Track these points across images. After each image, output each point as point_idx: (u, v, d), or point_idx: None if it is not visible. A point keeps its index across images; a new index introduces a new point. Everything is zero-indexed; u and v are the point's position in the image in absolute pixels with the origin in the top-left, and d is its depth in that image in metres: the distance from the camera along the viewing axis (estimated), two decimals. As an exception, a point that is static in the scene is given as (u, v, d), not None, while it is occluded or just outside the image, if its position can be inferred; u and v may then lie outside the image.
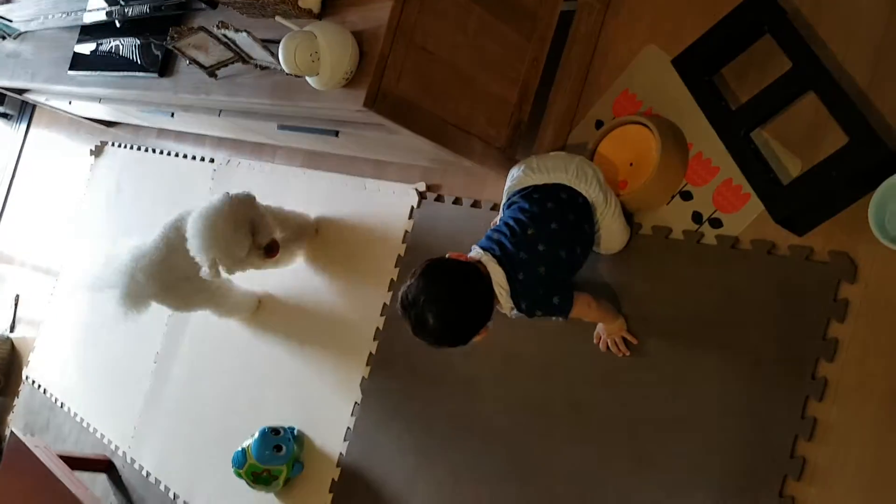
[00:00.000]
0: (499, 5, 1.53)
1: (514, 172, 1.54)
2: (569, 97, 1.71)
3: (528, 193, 1.50)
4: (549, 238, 1.43)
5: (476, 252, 1.42)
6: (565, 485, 1.57)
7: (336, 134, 1.69)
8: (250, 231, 1.99)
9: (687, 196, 1.54)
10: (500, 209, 1.59)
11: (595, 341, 1.58)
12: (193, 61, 1.72)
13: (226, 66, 1.71)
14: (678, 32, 1.59)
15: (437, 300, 1.33)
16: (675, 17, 1.62)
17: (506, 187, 1.56)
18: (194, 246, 1.96)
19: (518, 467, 1.66)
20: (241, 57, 1.61)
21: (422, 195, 2.06)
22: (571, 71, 1.70)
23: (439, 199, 2.01)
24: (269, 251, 2.00)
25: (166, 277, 2.18)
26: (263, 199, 2.53)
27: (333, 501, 2.03)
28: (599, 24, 1.72)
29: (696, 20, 1.56)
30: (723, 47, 1.49)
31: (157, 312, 2.85)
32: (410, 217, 2.07)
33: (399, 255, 2.08)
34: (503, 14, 1.54)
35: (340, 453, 2.06)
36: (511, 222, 1.45)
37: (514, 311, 1.42)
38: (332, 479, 2.05)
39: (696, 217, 1.51)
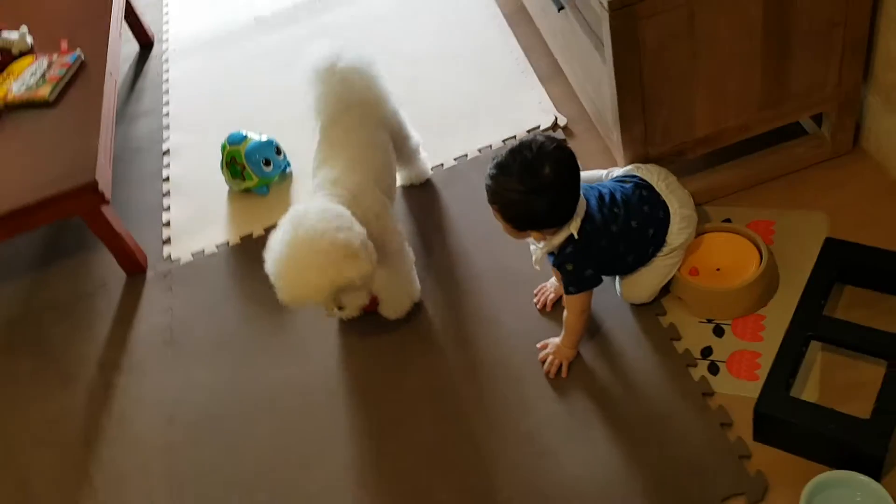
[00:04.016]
0: (775, 60, 1.50)
1: (649, 164, 1.57)
2: (736, 179, 1.69)
3: (641, 186, 1.53)
4: (623, 228, 1.48)
5: None
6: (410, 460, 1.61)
7: (560, 8, 1.67)
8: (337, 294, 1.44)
9: (719, 332, 1.53)
10: (606, 173, 1.62)
11: (539, 346, 1.60)
12: None
13: None
14: (852, 226, 1.57)
15: (563, 162, 1.35)
16: (864, 215, 1.60)
17: (632, 165, 1.60)
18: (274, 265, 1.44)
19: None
20: None
21: (554, 127, 2.05)
22: (758, 166, 1.69)
23: (561, 143, 2.00)
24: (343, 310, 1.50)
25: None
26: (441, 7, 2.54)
27: (266, 233, 2.08)
28: (813, 161, 1.69)
29: (875, 232, 1.53)
30: (872, 271, 1.47)
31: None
32: (528, 134, 2.06)
33: (490, 146, 2.07)
34: (767, 65, 1.50)
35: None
36: (606, 191, 1.49)
37: (536, 255, 1.47)
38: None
39: (706, 351, 1.52)
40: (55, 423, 1.83)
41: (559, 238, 1.43)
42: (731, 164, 1.71)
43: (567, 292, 1.48)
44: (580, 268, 1.45)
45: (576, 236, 1.41)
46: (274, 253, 1.43)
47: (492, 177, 1.38)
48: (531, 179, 1.34)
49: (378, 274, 1.57)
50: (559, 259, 1.46)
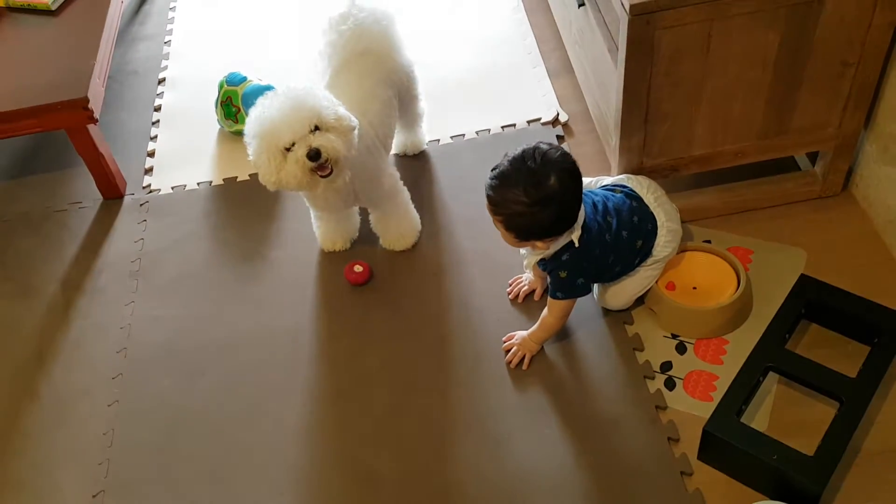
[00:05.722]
0: (782, 92, 1.50)
1: (639, 176, 1.57)
2: (722, 203, 1.71)
3: (631, 197, 1.53)
4: (615, 238, 1.47)
5: None
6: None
7: (580, 5, 1.65)
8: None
9: (681, 349, 1.55)
10: (595, 181, 1.61)
11: (505, 339, 1.60)
12: None
13: None
14: (828, 268, 1.59)
15: (568, 171, 1.32)
16: (841, 258, 1.62)
17: (622, 175, 1.59)
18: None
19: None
20: None
21: (554, 122, 2.04)
22: (746, 194, 1.70)
23: (559, 139, 2.00)
24: (314, 159, 1.43)
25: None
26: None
27: (251, 178, 2.07)
28: (801, 198, 1.71)
29: (848, 277, 1.55)
30: (839, 313, 1.49)
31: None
32: (527, 125, 2.06)
33: (489, 130, 2.06)
34: (773, 96, 1.51)
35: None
36: (599, 200, 1.49)
37: (527, 260, 1.48)
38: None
39: (665, 366, 1.53)
40: (9, 333, 1.80)
41: (558, 245, 1.41)
42: (719, 188, 1.72)
43: (554, 297, 1.48)
44: (574, 276, 1.44)
45: (576, 244, 1.40)
46: (259, 106, 1.45)
47: (493, 187, 1.33)
48: (536, 191, 1.30)
49: (377, 215, 1.78)
50: (552, 265, 1.44)
